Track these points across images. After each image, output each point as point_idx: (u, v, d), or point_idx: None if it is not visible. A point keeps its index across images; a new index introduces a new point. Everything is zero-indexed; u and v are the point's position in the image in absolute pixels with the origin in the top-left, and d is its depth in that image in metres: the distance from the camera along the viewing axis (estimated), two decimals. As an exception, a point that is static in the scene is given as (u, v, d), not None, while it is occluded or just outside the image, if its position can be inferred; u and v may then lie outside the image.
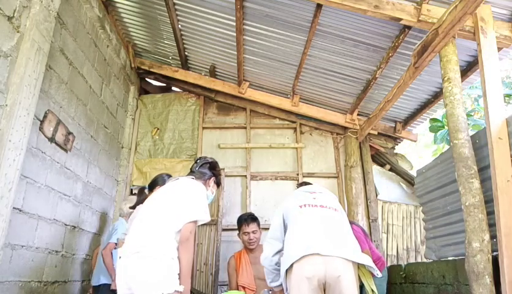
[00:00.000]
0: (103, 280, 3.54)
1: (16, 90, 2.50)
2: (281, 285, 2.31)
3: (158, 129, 5.50)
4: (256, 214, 3.73)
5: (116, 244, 3.55)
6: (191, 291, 4.64)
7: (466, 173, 2.55)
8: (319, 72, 4.47)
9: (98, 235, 4.30)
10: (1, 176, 2.37)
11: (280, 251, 2.35)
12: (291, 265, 2.08)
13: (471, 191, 2.51)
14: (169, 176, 3.13)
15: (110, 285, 3.48)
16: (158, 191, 2.33)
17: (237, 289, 3.27)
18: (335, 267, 1.99)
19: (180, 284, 1.95)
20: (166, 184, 2.34)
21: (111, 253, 3.52)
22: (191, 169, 2.48)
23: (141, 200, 2.97)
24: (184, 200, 2.13)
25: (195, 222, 2.10)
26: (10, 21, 2.52)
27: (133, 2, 4.34)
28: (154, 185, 2.98)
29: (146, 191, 3.03)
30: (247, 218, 3.49)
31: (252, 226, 3.43)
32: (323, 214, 2.31)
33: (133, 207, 3.01)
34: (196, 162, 2.49)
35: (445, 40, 2.85)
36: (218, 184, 2.52)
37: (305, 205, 2.35)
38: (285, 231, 2.40)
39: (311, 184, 2.85)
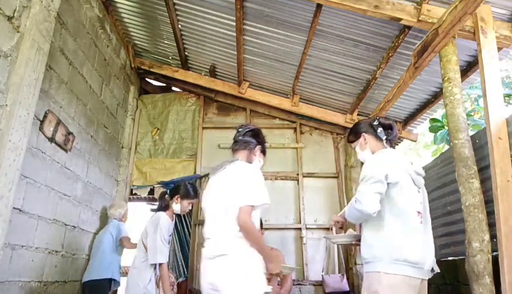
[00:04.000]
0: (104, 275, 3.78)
1: (16, 90, 2.50)
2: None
3: (158, 129, 5.50)
4: (256, 214, 3.72)
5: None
6: (190, 291, 4.64)
7: (466, 173, 2.55)
8: (319, 72, 4.47)
9: (95, 234, 4.29)
10: (1, 176, 2.36)
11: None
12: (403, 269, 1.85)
13: (471, 191, 2.51)
14: (192, 185, 3.18)
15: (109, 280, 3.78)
16: (214, 184, 2.17)
17: None
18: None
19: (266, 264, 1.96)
20: (218, 173, 2.17)
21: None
22: (234, 138, 2.30)
23: (164, 207, 3.05)
24: (239, 190, 2.01)
25: (251, 206, 1.97)
26: (10, 21, 2.52)
27: (133, 2, 4.34)
28: (175, 193, 3.06)
29: (167, 197, 3.08)
30: None
31: None
32: (426, 232, 2.00)
33: (156, 211, 3.09)
34: (238, 130, 2.32)
35: (445, 40, 2.85)
36: (264, 152, 2.36)
37: (418, 214, 1.96)
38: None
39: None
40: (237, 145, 2.28)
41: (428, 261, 1.91)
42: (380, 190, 1.90)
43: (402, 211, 1.91)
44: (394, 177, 1.92)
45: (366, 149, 2.19)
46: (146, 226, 3.07)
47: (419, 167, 2.11)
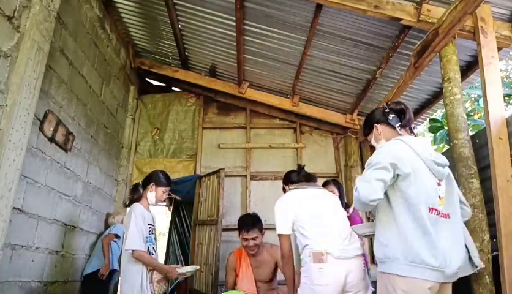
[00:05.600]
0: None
1: (16, 90, 2.50)
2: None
3: (158, 129, 5.50)
4: (256, 215, 3.69)
5: (115, 235, 4.11)
6: (190, 291, 4.64)
7: (466, 173, 2.55)
8: (319, 72, 4.47)
9: (99, 235, 4.31)
10: (1, 176, 2.36)
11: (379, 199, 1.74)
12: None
13: (471, 191, 2.51)
14: (163, 173, 3.09)
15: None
16: (320, 195, 2.56)
17: (234, 288, 3.22)
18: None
19: None
20: (312, 187, 2.62)
21: (110, 242, 4.08)
22: (301, 173, 2.77)
23: (136, 198, 2.93)
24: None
25: None
26: (10, 21, 2.52)
27: (133, 2, 4.34)
28: (148, 182, 2.96)
29: (140, 188, 2.99)
30: (248, 225, 3.17)
31: (252, 233, 3.13)
32: (451, 229, 1.76)
33: (128, 205, 2.97)
34: (302, 168, 2.80)
35: (445, 40, 2.85)
36: None
37: (432, 210, 1.72)
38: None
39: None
40: (303, 178, 2.73)
41: (452, 262, 1.66)
42: (383, 177, 1.70)
43: (416, 207, 1.69)
44: (404, 168, 1.71)
45: (381, 140, 1.97)
46: (124, 221, 2.99)
47: (440, 156, 1.84)
